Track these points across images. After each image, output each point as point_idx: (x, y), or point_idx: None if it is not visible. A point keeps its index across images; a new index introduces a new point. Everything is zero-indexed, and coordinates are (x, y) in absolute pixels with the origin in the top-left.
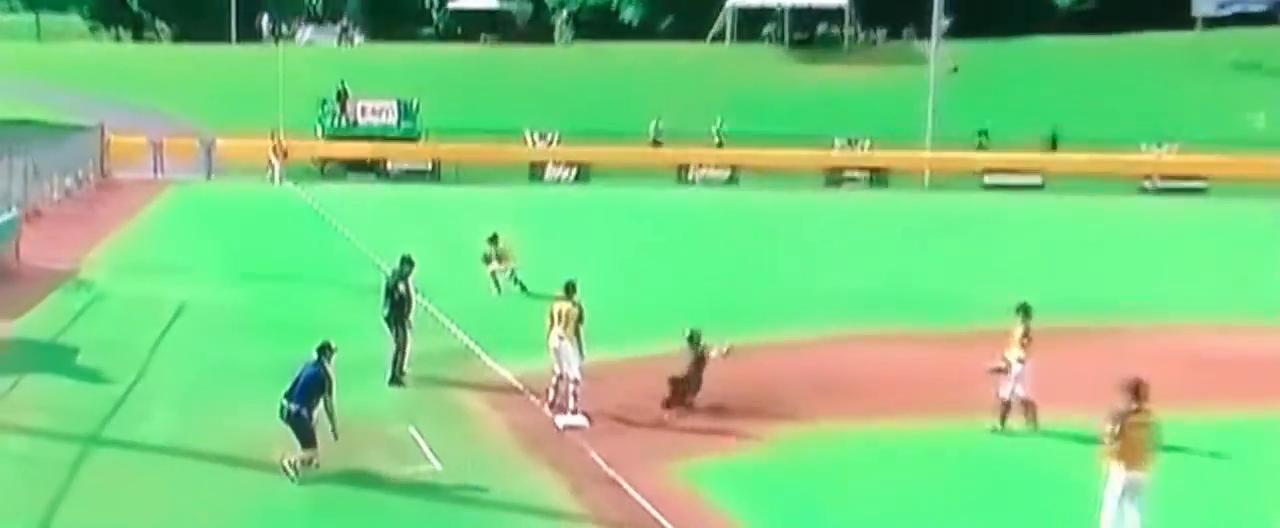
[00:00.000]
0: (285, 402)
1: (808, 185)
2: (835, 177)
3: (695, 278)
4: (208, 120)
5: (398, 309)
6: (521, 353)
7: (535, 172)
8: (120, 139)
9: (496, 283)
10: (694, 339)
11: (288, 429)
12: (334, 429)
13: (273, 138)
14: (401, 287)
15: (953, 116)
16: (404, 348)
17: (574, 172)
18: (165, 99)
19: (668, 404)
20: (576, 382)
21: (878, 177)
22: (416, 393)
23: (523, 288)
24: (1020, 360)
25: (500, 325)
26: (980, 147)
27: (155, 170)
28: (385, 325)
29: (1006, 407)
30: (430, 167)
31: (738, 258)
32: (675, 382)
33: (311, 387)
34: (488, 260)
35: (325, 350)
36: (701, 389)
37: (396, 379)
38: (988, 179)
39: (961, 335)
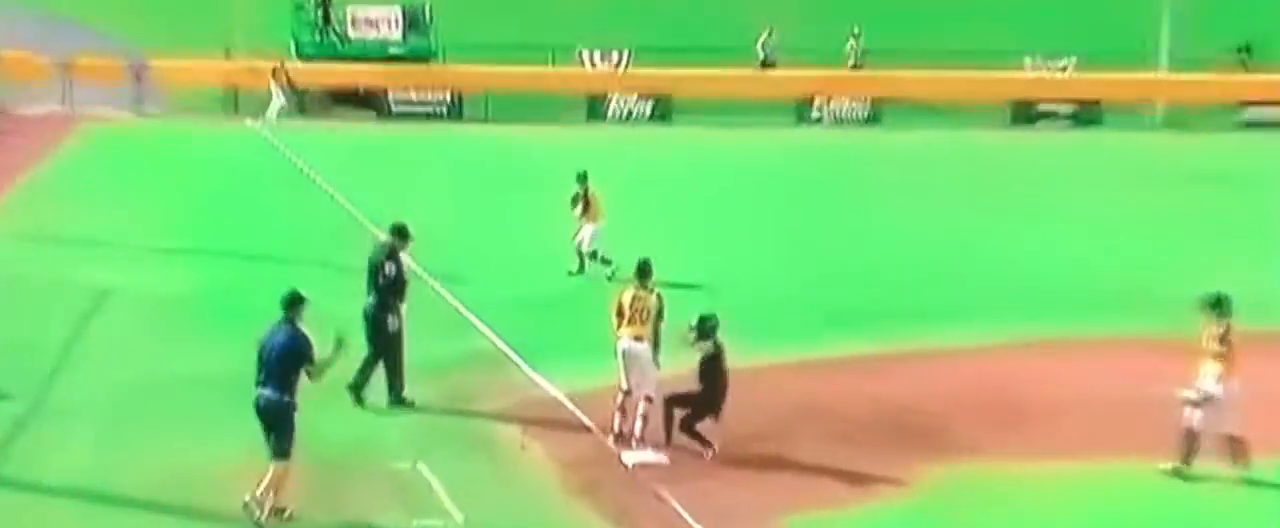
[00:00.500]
0: (258, 390)
1: (984, 123)
2: (1025, 111)
3: (818, 257)
4: (138, 34)
5: (385, 298)
6: (576, 360)
7: (595, 106)
8: (16, 56)
9: (581, 258)
10: (706, 329)
11: (264, 443)
12: (313, 367)
13: (273, 64)
14: (388, 266)
15: (1201, 26)
16: (398, 353)
17: (650, 105)
18: (84, 3)
19: (699, 440)
20: (650, 401)
21: (1086, 112)
22: (429, 418)
23: (607, 264)
24: (1219, 382)
25: (547, 322)
26: (1242, 67)
27: (64, 101)
28: (366, 323)
29: (1193, 441)
30: (449, 100)
31: (879, 229)
32: (681, 402)
33: (286, 359)
34: (576, 206)
35: (294, 305)
36: (722, 405)
37: (399, 399)
38: (1248, 115)
39: (1191, 345)
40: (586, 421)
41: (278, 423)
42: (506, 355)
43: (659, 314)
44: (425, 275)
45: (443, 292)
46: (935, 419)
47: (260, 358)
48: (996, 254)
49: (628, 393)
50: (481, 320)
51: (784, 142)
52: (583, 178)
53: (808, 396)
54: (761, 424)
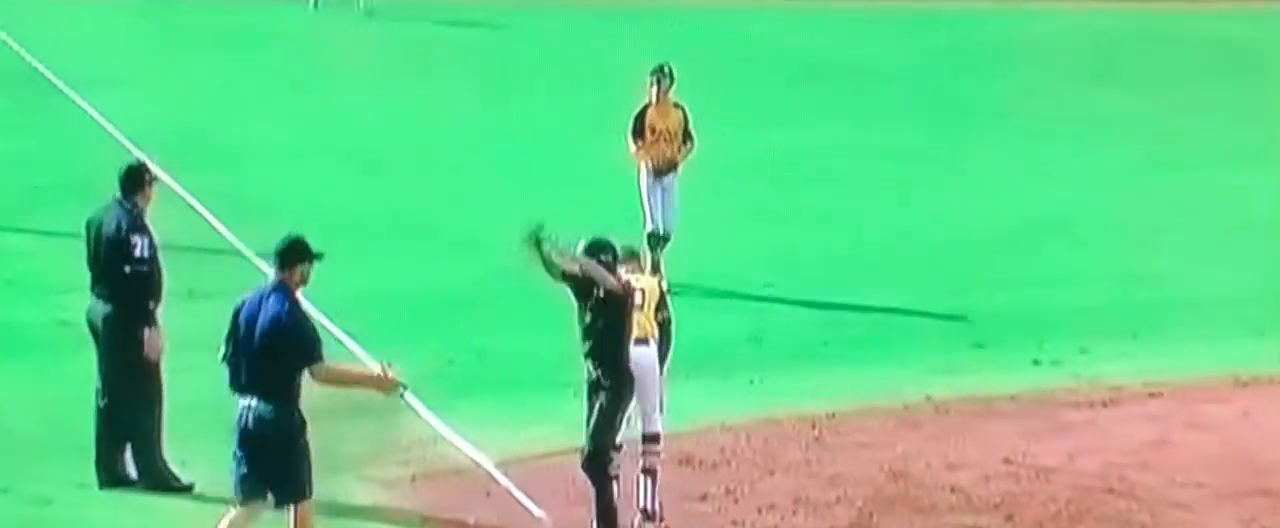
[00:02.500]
0: (242, 401)
1: None
2: None
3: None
4: None
5: (131, 297)
6: (507, 400)
7: None
8: None
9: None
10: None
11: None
12: None
13: None
14: (136, 241)
15: None
16: (155, 396)
17: None
18: None
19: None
20: (653, 442)
21: None
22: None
23: (657, 244)
24: None
25: (452, 334)
26: None
27: None
28: (96, 343)
29: None
30: None
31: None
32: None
33: (283, 351)
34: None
35: (292, 256)
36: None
37: (153, 475)
38: None
39: None
40: (536, 511)
41: (282, 455)
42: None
43: (661, 302)
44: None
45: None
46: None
47: (240, 345)
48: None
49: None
50: (350, 335)
51: None
52: (662, 71)
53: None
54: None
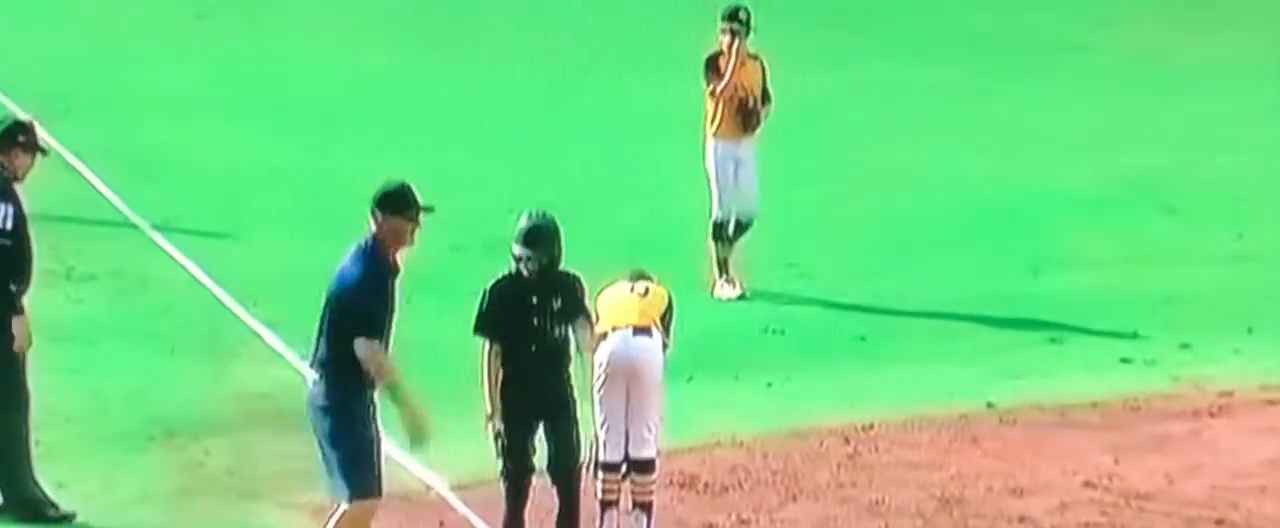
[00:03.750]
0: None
1: None
2: None
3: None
4: None
5: None
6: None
7: None
8: None
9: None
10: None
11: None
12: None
13: None
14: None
15: None
16: (18, 403)
17: None
18: None
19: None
20: (645, 471)
21: None
22: None
23: (737, 229)
24: None
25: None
26: None
27: None
28: None
29: None
30: None
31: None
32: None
33: (342, 310)
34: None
35: (388, 205)
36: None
37: (26, 503)
38: None
39: None
40: None
41: (329, 442)
42: None
43: (667, 313)
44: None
45: (187, 265)
46: None
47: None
48: None
49: (615, 467)
50: (269, 326)
51: None
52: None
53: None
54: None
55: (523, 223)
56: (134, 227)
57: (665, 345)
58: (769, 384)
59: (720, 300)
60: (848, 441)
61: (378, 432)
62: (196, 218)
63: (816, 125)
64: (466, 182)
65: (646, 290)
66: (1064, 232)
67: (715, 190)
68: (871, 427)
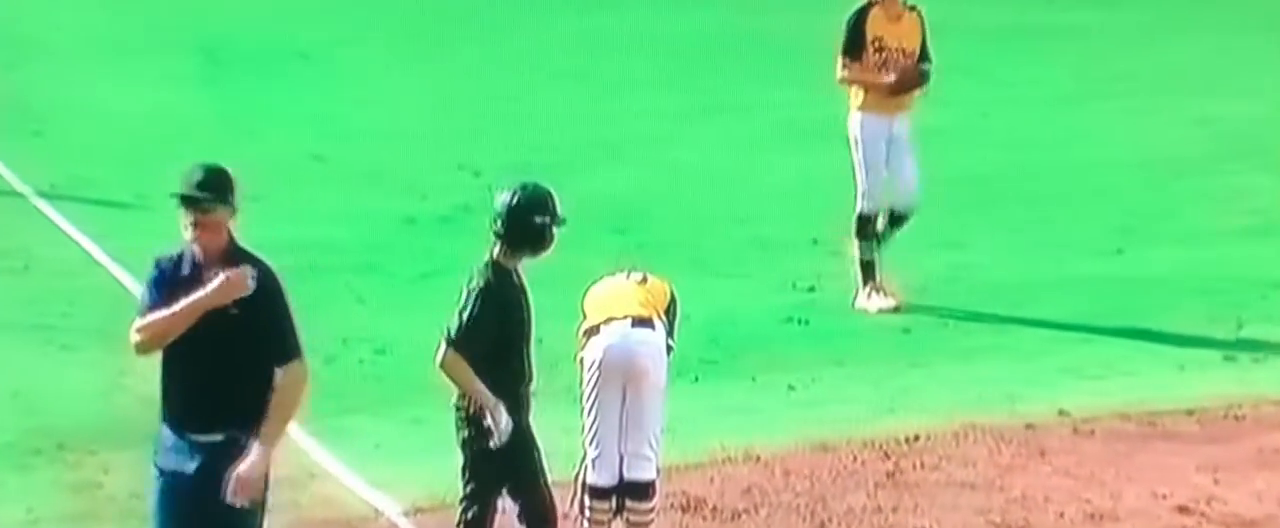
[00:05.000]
0: None
1: None
2: None
3: None
4: None
5: None
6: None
7: None
8: None
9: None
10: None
11: None
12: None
13: None
14: None
15: None
16: None
17: None
18: None
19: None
20: (642, 496)
21: None
22: None
23: (891, 223)
24: None
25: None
26: None
27: None
28: None
29: None
30: None
31: None
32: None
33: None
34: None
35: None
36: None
37: None
38: None
39: None
40: None
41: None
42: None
43: (670, 309)
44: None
45: (81, 240)
46: None
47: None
48: None
49: (611, 497)
50: None
51: None
52: None
53: None
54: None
55: (523, 192)
56: (16, 194)
57: (669, 348)
58: (791, 387)
59: (865, 313)
60: (887, 456)
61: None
62: (92, 183)
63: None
64: (419, 137)
65: (645, 279)
66: (1154, 197)
67: (862, 176)
68: (916, 439)
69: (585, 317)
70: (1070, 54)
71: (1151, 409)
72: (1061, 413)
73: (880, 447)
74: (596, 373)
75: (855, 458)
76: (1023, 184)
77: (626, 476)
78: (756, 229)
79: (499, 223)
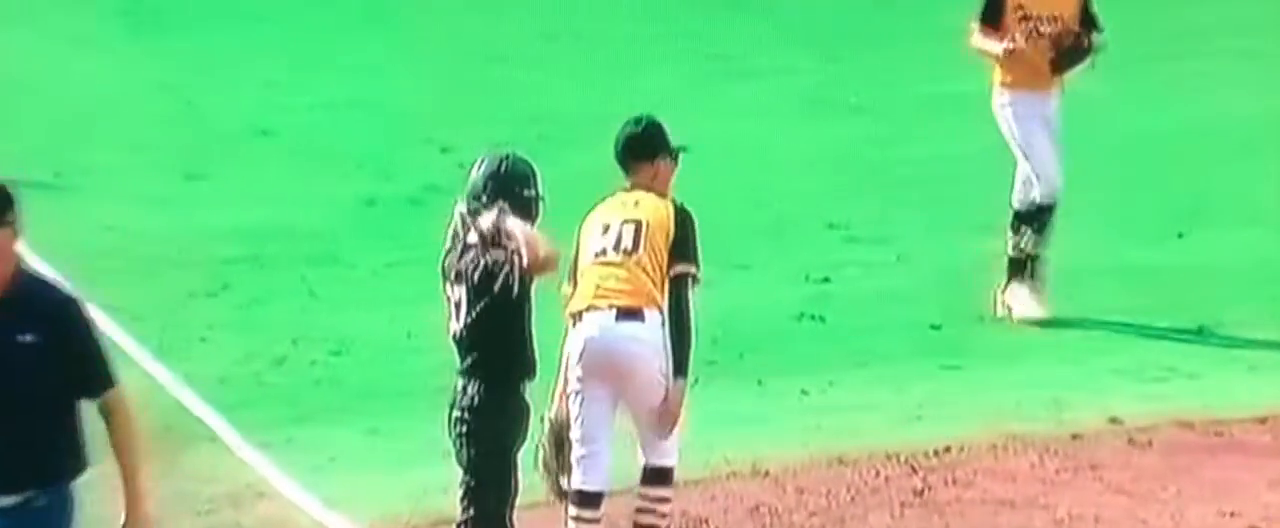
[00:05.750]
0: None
1: None
2: None
3: None
4: None
5: None
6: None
7: None
8: None
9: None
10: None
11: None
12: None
13: None
14: None
15: None
16: None
17: None
18: None
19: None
20: (660, 481)
21: None
22: None
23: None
24: None
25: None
26: None
27: None
28: None
29: None
30: None
31: None
32: None
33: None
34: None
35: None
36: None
37: None
38: None
39: None
40: None
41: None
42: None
43: (685, 249)
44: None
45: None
46: None
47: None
48: None
49: (596, 498)
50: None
51: None
52: None
53: None
54: None
55: (507, 161)
56: None
57: (693, 280)
58: (805, 392)
59: (1016, 321)
60: (915, 470)
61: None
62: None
63: (868, 33)
64: (381, 108)
65: (637, 203)
66: (1220, 174)
67: (1024, 159)
68: (948, 450)
69: (576, 261)
70: (1124, 6)
71: (1217, 417)
72: (1114, 421)
73: (906, 460)
74: (578, 368)
75: (878, 473)
76: (1068, 158)
77: (645, 461)
78: (764, 212)
79: (482, 195)
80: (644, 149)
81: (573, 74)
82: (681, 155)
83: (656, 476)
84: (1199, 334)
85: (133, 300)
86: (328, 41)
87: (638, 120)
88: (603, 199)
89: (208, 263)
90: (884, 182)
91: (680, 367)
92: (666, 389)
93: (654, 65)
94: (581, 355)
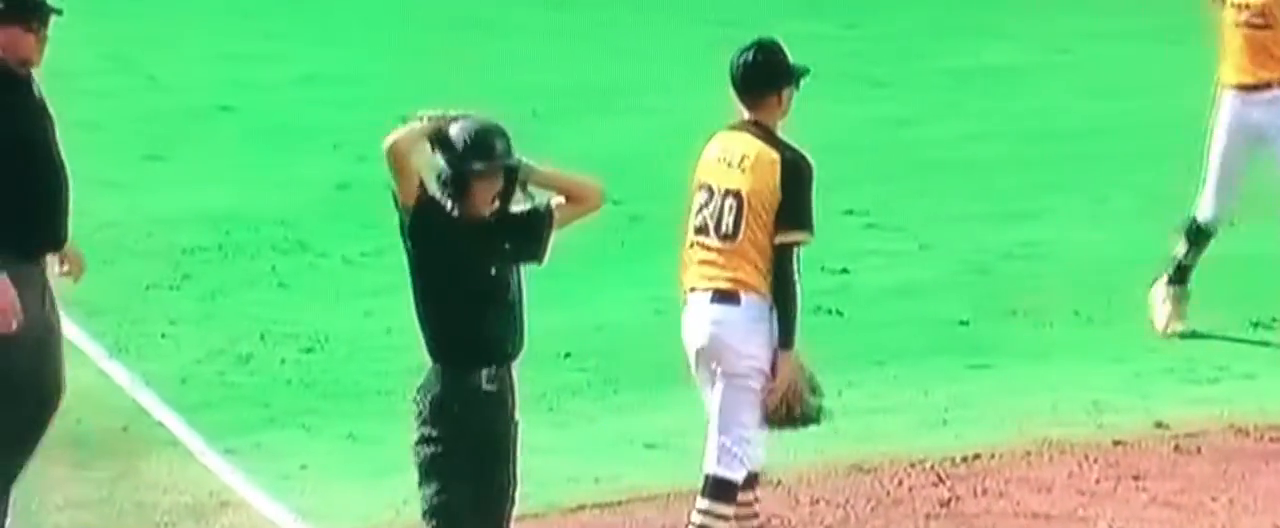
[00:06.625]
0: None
1: None
2: None
3: None
4: None
5: None
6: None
7: None
8: None
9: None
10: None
11: None
12: None
13: None
14: None
15: None
16: None
17: None
18: None
19: None
20: (723, 498)
21: None
22: None
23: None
24: None
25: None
26: None
27: None
28: None
29: None
30: None
31: None
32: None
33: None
34: None
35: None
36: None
37: None
38: None
39: None
40: None
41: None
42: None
43: (789, 205)
44: None
45: None
46: None
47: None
48: None
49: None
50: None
51: None
52: None
53: None
54: None
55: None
56: None
57: (784, 301)
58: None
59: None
60: (941, 479)
61: None
62: None
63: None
64: (354, 82)
65: (743, 160)
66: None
67: (1212, 174)
68: (976, 458)
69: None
70: None
71: (1273, 422)
72: (1159, 426)
73: (932, 468)
74: (690, 354)
75: (900, 483)
76: (1110, 140)
77: (709, 470)
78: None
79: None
80: (765, 79)
81: (567, 44)
82: (804, 78)
83: (721, 490)
84: (1254, 330)
85: (86, 293)
86: (295, 11)
87: (757, 45)
88: (715, 135)
89: (167, 252)
90: (906, 163)
91: (786, 339)
92: (773, 364)
93: (657, 33)
94: (686, 339)
